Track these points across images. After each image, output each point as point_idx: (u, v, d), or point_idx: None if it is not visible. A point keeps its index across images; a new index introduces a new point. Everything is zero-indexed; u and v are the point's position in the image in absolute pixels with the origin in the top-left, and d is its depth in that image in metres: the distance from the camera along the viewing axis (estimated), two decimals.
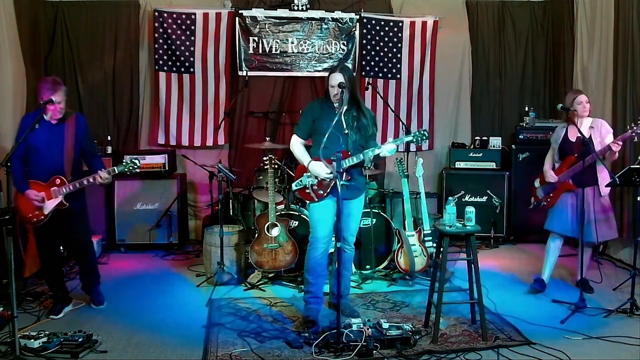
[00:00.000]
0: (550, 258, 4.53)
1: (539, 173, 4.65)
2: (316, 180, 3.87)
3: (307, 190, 3.90)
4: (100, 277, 4.34)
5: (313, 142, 3.98)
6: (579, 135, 4.24)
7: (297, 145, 3.99)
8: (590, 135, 4.31)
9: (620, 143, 4.15)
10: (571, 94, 4.50)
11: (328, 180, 3.83)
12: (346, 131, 3.78)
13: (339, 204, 3.47)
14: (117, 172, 3.96)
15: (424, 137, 3.87)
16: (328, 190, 3.88)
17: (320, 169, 3.80)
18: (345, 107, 3.80)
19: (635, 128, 4.08)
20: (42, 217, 3.89)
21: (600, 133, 4.33)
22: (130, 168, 3.98)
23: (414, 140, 3.86)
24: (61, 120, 3.92)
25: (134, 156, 5.67)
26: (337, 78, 3.78)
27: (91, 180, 3.90)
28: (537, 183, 4.63)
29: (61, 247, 4.32)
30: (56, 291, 4.10)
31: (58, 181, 3.87)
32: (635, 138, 4.13)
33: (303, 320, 3.88)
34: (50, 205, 3.88)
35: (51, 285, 4.13)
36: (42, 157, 3.87)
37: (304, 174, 3.92)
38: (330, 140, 3.62)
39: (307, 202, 3.96)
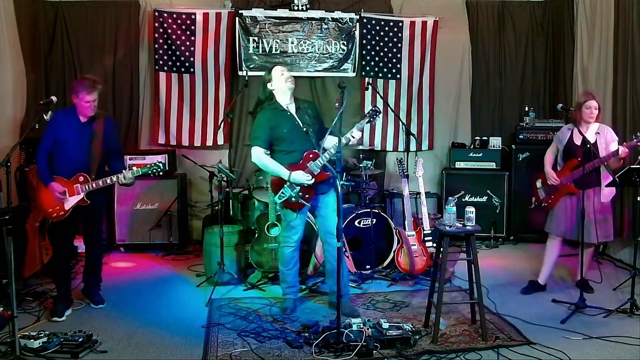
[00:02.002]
0: (549, 259, 4.53)
1: (539, 173, 4.65)
2: (299, 188, 3.90)
3: (293, 200, 3.91)
4: (102, 280, 4.35)
5: (276, 151, 3.97)
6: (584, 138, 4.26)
7: (265, 157, 3.94)
8: (596, 141, 4.31)
9: (627, 150, 4.16)
10: (583, 94, 4.53)
11: (310, 184, 3.89)
12: (304, 129, 3.83)
13: (339, 203, 3.48)
14: (140, 173, 3.96)
15: (377, 113, 3.83)
16: (314, 192, 3.95)
17: (302, 177, 3.84)
18: (293, 107, 3.99)
19: None
20: (62, 212, 3.94)
21: (606, 139, 4.33)
22: (155, 170, 3.98)
23: (370, 119, 3.83)
24: (91, 120, 4.00)
25: (137, 156, 5.77)
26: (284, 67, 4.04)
27: (114, 179, 3.93)
28: (539, 183, 4.63)
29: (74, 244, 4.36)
30: (61, 288, 4.07)
31: (81, 178, 3.93)
32: None
33: (281, 310, 4.10)
34: (72, 201, 3.93)
35: (57, 281, 4.11)
36: (68, 153, 3.95)
37: (284, 186, 3.91)
38: (294, 144, 3.75)
39: (294, 210, 3.97)
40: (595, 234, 4.24)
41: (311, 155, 3.89)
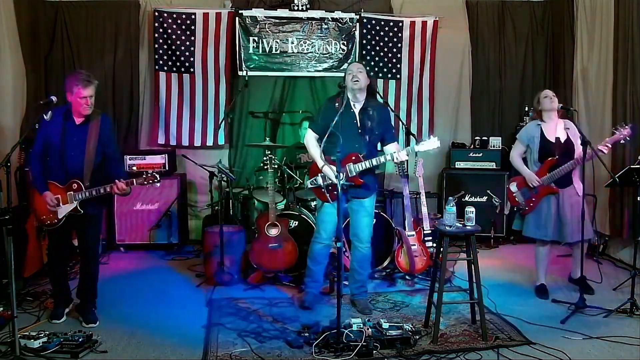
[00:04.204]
0: (542, 263, 4.49)
1: (511, 176, 4.56)
2: (330, 182, 3.94)
3: (323, 190, 3.97)
4: (97, 296, 4.04)
5: (327, 140, 3.88)
6: (557, 136, 4.27)
7: (312, 142, 4.05)
8: (568, 137, 4.30)
9: (610, 145, 4.13)
10: (537, 94, 4.47)
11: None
12: (359, 130, 3.85)
13: (339, 204, 3.49)
14: (135, 184, 3.74)
15: (434, 145, 3.91)
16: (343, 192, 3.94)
17: (332, 174, 3.89)
18: (359, 106, 3.98)
19: (622, 130, 4.07)
20: (56, 220, 3.76)
21: (576, 133, 4.28)
22: (151, 182, 3.75)
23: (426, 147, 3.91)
24: (86, 121, 3.76)
25: (137, 156, 5.78)
26: (359, 66, 4.01)
27: (108, 189, 3.71)
28: (513, 187, 4.45)
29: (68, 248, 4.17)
30: (58, 290, 4.02)
31: (75, 186, 3.71)
32: (622, 141, 4.12)
33: (299, 306, 4.15)
34: (65, 209, 3.74)
35: (54, 285, 4.05)
36: (61, 157, 3.72)
37: (318, 174, 3.98)
38: (343, 140, 3.67)
39: (321, 201, 4.05)
40: (579, 232, 4.20)
41: (353, 158, 3.91)
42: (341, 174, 3.64)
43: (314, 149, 4.03)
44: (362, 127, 3.96)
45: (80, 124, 3.77)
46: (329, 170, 3.91)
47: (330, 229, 4.08)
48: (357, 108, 4.01)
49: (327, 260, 4.25)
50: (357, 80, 3.94)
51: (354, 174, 3.91)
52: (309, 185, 4.07)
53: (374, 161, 3.90)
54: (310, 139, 4.08)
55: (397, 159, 3.89)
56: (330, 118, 3.85)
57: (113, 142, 3.95)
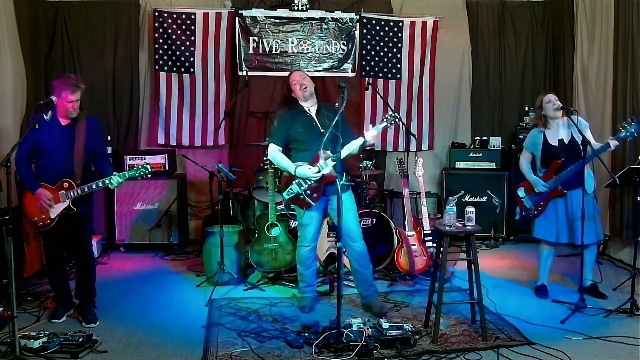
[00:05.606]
0: (545, 264, 4.48)
1: (518, 182, 4.54)
2: (307, 185, 3.94)
3: (301, 197, 3.96)
4: (95, 296, 4.07)
5: (291, 149, 4.08)
6: (561, 138, 4.24)
7: (277, 153, 4.07)
8: (573, 136, 4.24)
9: (617, 143, 4.11)
10: (539, 96, 4.43)
11: (318, 181, 3.93)
12: (322, 130, 3.92)
13: (339, 203, 3.49)
14: (127, 177, 3.78)
15: (396, 120, 3.96)
16: (321, 193, 3.98)
17: (308, 172, 3.91)
18: (314, 109, 4.06)
19: (628, 127, 4.02)
20: (49, 221, 3.77)
21: (580, 126, 4.20)
22: (142, 173, 3.80)
23: (388, 125, 3.95)
24: (73, 122, 3.80)
25: (137, 156, 5.77)
26: (301, 74, 4.10)
27: (100, 185, 3.75)
28: (521, 192, 4.46)
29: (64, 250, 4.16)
30: (58, 292, 4.03)
31: (66, 185, 3.74)
32: (630, 137, 4.09)
33: (298, 308, 4.14)
34: (57, 209, 3.76)
35: (54, 286, 4.05)
36: (51, 159, 3.75)
37: (293, 182, 3.97)
38: (307, 143, 3.85)
39: (301, 207, 4.03)
40: (591, 233, 4.20)
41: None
42: (338, 174, 3.62)
43: (282, 159, 4.04)
44: (323, 127, 3.97)
45: (67, 125, 3.81)
46: (304, 169, 3.91)
47: (313, 231, 4.10)
48: (312, 111, 4.09)
49: (316, 262, 4.29)
50: (305, 87, 4.04)
51: (327, 169, 3.90)
52: (286, 197, 4.03)
53: (344, 151, 3.87)
54: (275, 152, 4.06)
55: (364, 139, 3.91)
56: (292, 125, 4.01)
57: (101, 142, 4.07)
